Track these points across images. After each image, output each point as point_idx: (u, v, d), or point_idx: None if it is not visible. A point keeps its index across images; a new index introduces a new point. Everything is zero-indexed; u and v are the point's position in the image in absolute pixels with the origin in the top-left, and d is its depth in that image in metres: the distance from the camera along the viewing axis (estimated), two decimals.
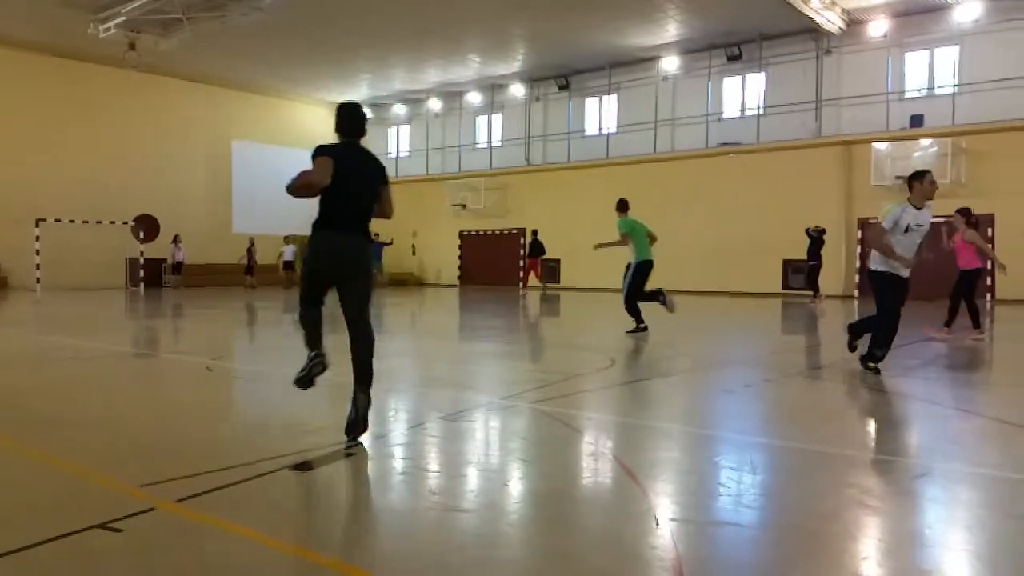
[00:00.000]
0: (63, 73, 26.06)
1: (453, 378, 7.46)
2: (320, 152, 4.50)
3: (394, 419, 5.35)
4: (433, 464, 4.15)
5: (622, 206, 11.26)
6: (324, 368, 4.67)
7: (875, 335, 7.13)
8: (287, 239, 27.78)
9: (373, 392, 4.53)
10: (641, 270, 10.87)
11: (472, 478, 3.88)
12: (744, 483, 3.80)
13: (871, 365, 7.11)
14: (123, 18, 21.36)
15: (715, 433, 4.96)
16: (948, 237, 10.90)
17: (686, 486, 3.77)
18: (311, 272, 4.66)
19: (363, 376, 4.52)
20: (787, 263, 23.21)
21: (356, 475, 3.93)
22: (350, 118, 4.74)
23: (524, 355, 9.53)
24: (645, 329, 10.74)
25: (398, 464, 4.14)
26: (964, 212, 10.60)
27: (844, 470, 4.01)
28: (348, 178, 4.52)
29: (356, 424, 4.42)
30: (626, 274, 11.05)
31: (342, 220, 4.55)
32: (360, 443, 4.41)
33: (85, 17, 21.62)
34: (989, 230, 20.63)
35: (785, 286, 23.40)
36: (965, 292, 10.32)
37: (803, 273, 20.90)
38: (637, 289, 10.85)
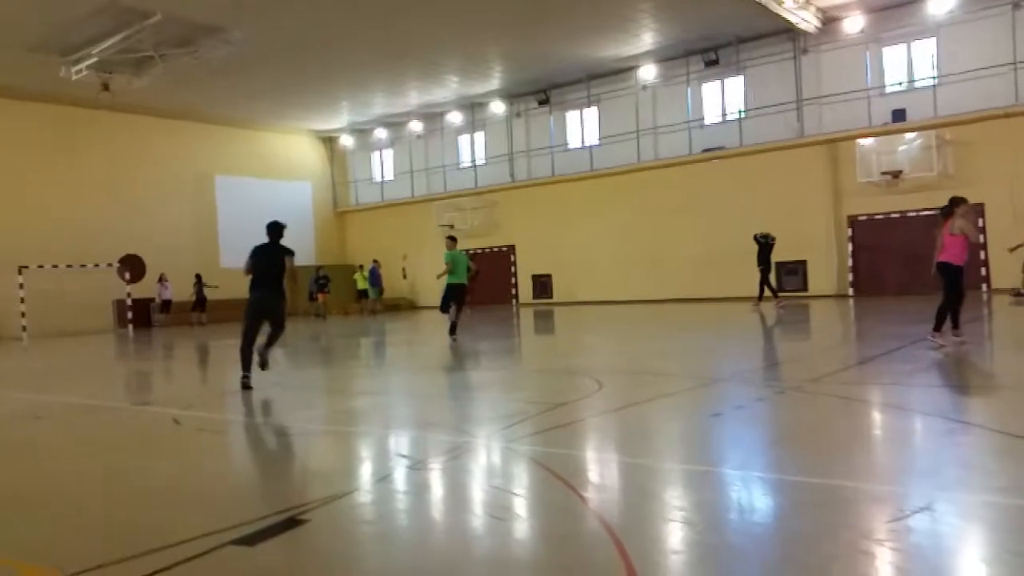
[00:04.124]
0: (38, 116, 25.80)
1: (429, 415, 7.14)
2: (250, 254, 8.79)
3: (354, 472, 5.04)
4: (388, 526, 3.83)
5: (451, 242, 14.22)
6: (250, 385, 8.59)
7: None
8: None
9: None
10: (452, 290, 13.93)
11: (429, 540, 3.57)
12: (729, 531, 3.49)
13: None
14: (94, 59, 21.10)
15: (703, 468, 4.64)
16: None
17: (670, 537, 3.46)
18: (250, 315, 8.78)
19: (267, 349, 8.87)
20: (780, 265, 22.90)
21: (306, 547, 3.59)
22: (268, 231, 8.85)
23: (507, 383, 9.21)
24: (455, 338, 13.68)
25: (353, 530, 3.82)
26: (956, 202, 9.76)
27: (839, 507, 3.70)
28: (263, 262, 8.71)
29: (264, 367, 8.87)
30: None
31: (263, 284, 8.69)
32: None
33: (56, 60, 21.35)
34: (980, 220, 20.45)
35: (779, 288, 23.06)
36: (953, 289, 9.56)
37: (795, 275, 20.63)
38: (446, 303, 14.12)
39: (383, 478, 4.69)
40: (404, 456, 5.35)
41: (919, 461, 4.68)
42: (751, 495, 4.07)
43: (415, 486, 4.51)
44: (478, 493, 4.36)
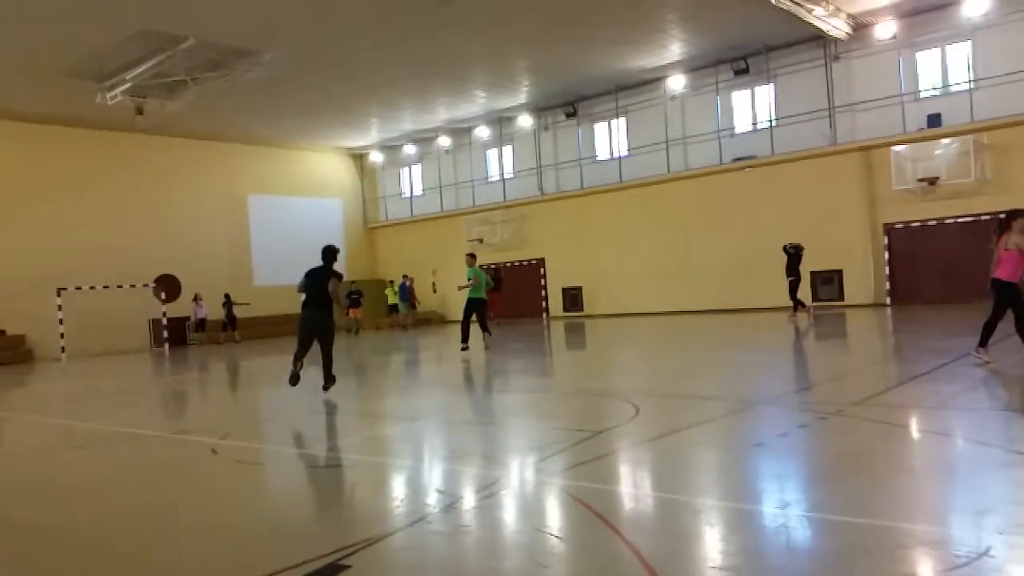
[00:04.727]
0: (74, 142, 26.34)
1: (463, 444, 7.08)
2: (304, 274, 9.93)
3: (391, 511, 4.97)
4: (428, 574, 3.78)
5: (471, 259, 15.29)
6: (298, 377, 9.87)
7: None
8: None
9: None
10: (473, 304, 14.73)
11: None
12: None
13: None
14: (128, 84, 21.48)
15: (748, 507, 4.52)
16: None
17: None
18: (301, 332, 9.90)
19: (327, 374, 9.97)
20: (814, 274, 22.60)
21: None
22: (322, 254, 9.93)
23: (541, 408, 9.12)
24: (466, 348, 14.88)
25: None
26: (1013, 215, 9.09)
27: (888, 552, 3.57)
28: (313, 283, 9.78)
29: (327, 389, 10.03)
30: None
31: (312, 302, 9.78)
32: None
33: (91, 86, 21.77)
34: None
35: (815, 298, 22.75)
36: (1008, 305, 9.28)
37: (830, 285, 20.33)
38: (467, 316, 14.87)
39: (420, 519, 4.63)
40: (440, 492, 5.30)
41: (973, 498, 4.49)
42: (798, 538, 3.95)
43: (453, 527, 4.46)
44: (517, 535, 4.29)
